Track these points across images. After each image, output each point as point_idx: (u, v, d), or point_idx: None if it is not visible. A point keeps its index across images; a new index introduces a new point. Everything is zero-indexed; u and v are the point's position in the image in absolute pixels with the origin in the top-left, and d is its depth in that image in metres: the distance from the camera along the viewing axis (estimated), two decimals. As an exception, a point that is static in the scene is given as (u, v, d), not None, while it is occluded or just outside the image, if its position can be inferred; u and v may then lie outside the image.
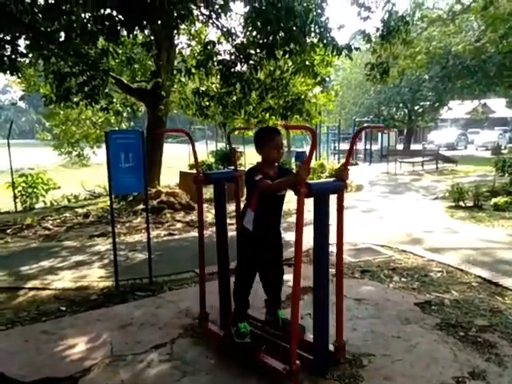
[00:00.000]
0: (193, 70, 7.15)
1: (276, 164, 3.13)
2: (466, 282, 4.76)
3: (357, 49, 6.72)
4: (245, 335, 3.05)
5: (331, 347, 2.86)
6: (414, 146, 28.98)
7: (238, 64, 7.61)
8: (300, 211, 2.58)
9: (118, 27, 6.66)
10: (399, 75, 18.03)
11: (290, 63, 8.33)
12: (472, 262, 5.41)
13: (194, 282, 4.83)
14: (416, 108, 29.04)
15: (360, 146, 25.24)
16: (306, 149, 21.79)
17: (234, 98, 7.93)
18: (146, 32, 7.92)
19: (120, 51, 10.08)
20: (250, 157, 19.28)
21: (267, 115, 8.48)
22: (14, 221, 8.73)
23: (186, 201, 9.09)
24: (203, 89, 8.49)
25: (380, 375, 2.75)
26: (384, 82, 7.90)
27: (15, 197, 10.49)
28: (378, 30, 7.06)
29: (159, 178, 10.55)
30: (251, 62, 7.62)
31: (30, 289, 4.92)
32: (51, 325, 3.74)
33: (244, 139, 19.60)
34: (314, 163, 15.29)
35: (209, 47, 7.30)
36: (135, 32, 7.51)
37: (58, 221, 8.63)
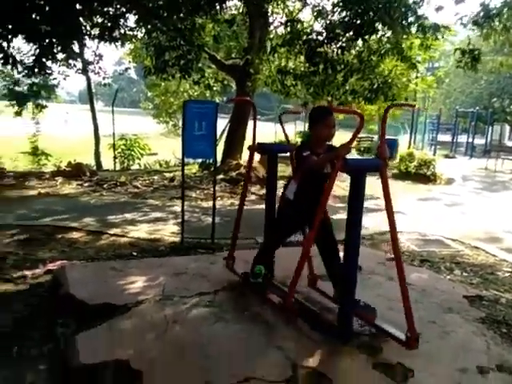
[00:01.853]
0: (277, 49, 7.32)
1: (327, 143, 3.23)
2: (533, 286, 4.46)
3: (445, 27, 6.37)
4: (259, 276, 3.41)
5: (403, 336, 2.79)
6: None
7: (325, 44, 7.62)
8: (330, 188, 2.68)
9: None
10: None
11: (379, 45, 8.13)
12: (548, 267, 5.02)
13: (251, 248, 5.13)
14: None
15: (462, 138, 23.58)
16: (403, 137, 20.91)
17: (318, 78, 7.97)
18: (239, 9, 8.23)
19: (215, 28, 10.56)
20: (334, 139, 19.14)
21: (350, 97, 8.40)
22: (110, 178, 9.77)
23: (263, 175, 9.40)
24: (287, 67, 8.65)
25: (399, 351, 2.79)
26: (475, 70, 7.38)
27: (115, 157, 11.66)
28: (474, 14, 6.61)
29: (241, 152, 10.99)
30: (339, 42, 7.59)
31: (112, 235, 5.61)
32: (120, 264, 4.28)
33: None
34: (404, 151, 14.71)
35: (296, 26, 7.40)
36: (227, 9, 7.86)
37: (147, 182, 9.48)
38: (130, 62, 13.92)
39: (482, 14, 6.77)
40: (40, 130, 11.76)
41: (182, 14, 8.30)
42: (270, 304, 3.33)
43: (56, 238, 5.39)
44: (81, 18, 8.31)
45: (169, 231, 5.87)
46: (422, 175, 12.84)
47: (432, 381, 2.54)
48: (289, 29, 7.68)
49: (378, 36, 8.07)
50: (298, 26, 7.74)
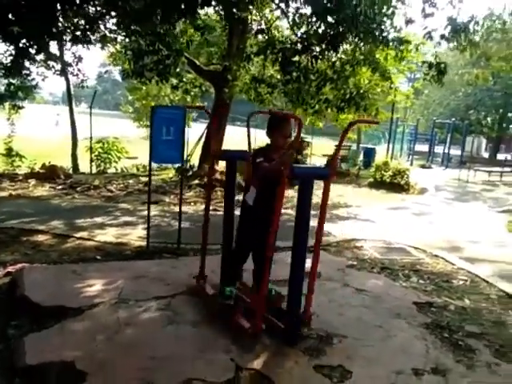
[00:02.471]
0: (252, 57, 7.45)
1: (283, 150, 3.32)
2: (485, 294, 4.64)
3: (407, 42, 6.59)
4: (228, 297, 3.40)
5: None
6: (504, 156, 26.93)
7: (298, 53, 7.78)
8: (281, 194, 2.78)
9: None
10: (492, 77, 16.83)
11: (352, 56, 8.34)
12: (503, 276, 5.21)
13: (217, 253, 5.20)
14: (510, 115, 26.95)
15: (439, 149, 24.06)
16: (383, 146, 21.25)
17: (292, 86, 8.13)
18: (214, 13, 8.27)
19: (195, 33, 10.64)
20: (317, 147, 19.36)
21: (324, 106, 8.58)
22: (85, 181, 9.74)
23: (238, 182, 9.49)
24: (264, 75, 8.79)
25: (343, 354, 2.91)
26: (440, 83, 7.62)
27: (91, 160, 11.63)
28: (443, 28, 6.85)
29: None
30: (312, 52, 7.76)
31: (78, 238, 5.62)
32: (81, 267, 4.32)
33: (313, 129, 19.62)
34: (380, 161, 14.98)
35: (271, 34, 7.55)
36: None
37: (122, 185, 9.48)
38: (110, 64, 13.94)
39: (449, 28, 7.00)
40: (15, 131, 11.64)
41: (158, 18, 8.38)
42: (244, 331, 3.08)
43: (21, 240, 5.38)
44: (60, 19, 8.35)
45: (136, 235, 5.90)
46: (396, 184, 13.10)
47: (368, 382, 2.66)
48: (263, 37, 7.82)
49: (351, 47, 8.27)
50: (274, 34, 7.89)
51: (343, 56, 8.61)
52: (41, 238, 5.57)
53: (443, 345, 3.20)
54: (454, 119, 24.68)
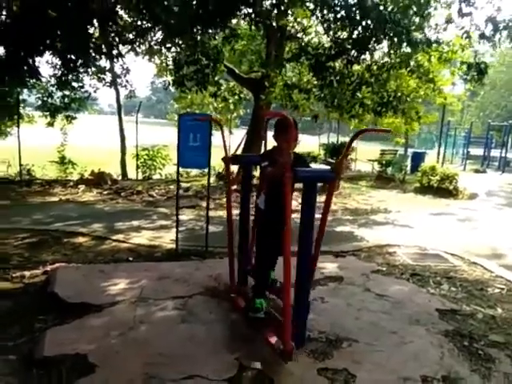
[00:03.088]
0: (285, 63, 7.52)
1: (293, 152, 3.34)
2: (521, 303, 4.38)
3: (437, 42, 6.38)
4: (258, 310, 3.29)
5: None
6: None
7: (332, 58, 7.76)
8: (287, 199, 2.79)
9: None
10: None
11: (390, 59, 8.19)
12: (545, 286, 4.89)
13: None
14: None
15: (496, 153, 22.82)
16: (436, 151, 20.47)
17: (326, 91, 8.10)
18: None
19: (236, 43, 10.87)
20: (364, 152, 19.01)
21: (360, 110, 8.46)
22: (130, 186, 10.19)
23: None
24: (300, 81, 8.82)
25: (350, 358, 2.88)
26: (481, 83, 7.28)
27: (137, 167, 12.13)
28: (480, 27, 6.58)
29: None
30: (346, 56, 7.71)
31: (114, 240, 5.91)
32: (110, 267, 4.55)
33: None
34: (427, 165, 14.45)
35: (303, 40, 7.59)
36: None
37: (163, 191, 9.83)
38: (154, 75, 14.53)
39: (490, 26, 6.72)
40: (67, 140, 12.38)
41: (196, 29, 8.67)
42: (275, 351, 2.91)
43: (62, 241, 5.74)
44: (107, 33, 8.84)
45: (169, 238, 6.10)
46: (443, 190, 12.60)
47: (371, 387, 2.61)
48: (297, 43, 7.86)
49: (387, 51, 8.13)
50: (307, 40, 7.92)
51: (380, 59, 8.46)
52: (81, 239, 5.91)
53: (460, 353, 3.07)
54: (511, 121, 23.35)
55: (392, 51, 7.33)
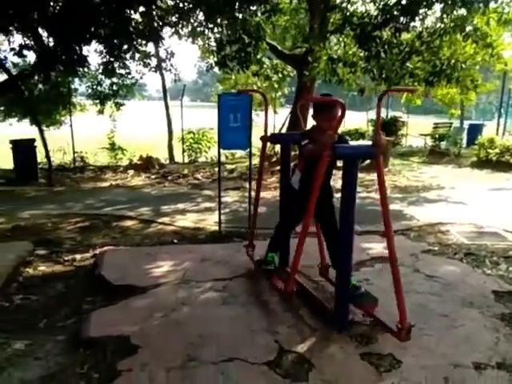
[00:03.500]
0: (328, 35, 7.21)
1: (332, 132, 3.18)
2: None
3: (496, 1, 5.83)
4: (269, 263, 3.60)
5: (393, 326, 2.78)
6: None
7: (379, 28, 7.35)
8: (319, 174, 2.67)
9: None
10: None
11: (443, 23, 7.66)
12: None
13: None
14: None
15: None
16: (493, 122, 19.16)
17: (373, 62, 7.71)
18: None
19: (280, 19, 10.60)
20: (415, 126, 18.15)
21: (410, 81, 8.01)
22: (176, 170, 10.35)
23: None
24: (346, 54, 8.47)
25: (396, 342, 2.74)
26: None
27: (183, 150, 12.29)
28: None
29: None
30: (394, 24, 7.28)
31: (160, 223, 6.02)
32: (155, 250, 4.63)
33: (408, 108, 18.46)
34: (484, 138, 13.55)
35: (347, 9, 7.24)
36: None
37: (208, 174, 9.91)
38: (199, 57, 14.56)
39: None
40: (116, 126, 12.72)
41: (236, 7, 8.51)
42: (278, 291, 3.41)
43: (111, 225, 5.92)
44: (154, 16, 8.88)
45: (213, 221, 6.13)
46: (503, 163, 11.82)
47: (418, 373, 2.47)
48: (341, 14, 7.51)
49: (438, 15, 7.61)
50: (351, 9, 7.55)
51: (431, 25, 7.93)
52: (128, 223, 6.07)
53: (518, 338, 2.85)
54: None
55: (445, 15, 6.82)
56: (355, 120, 18.92)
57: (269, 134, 3.73)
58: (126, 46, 8.65)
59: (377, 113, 2.89)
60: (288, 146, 3.68)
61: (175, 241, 5.28)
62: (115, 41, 7.95)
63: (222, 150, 5.84)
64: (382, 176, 2.69)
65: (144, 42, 9.30)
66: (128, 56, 9.37)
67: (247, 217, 5.54)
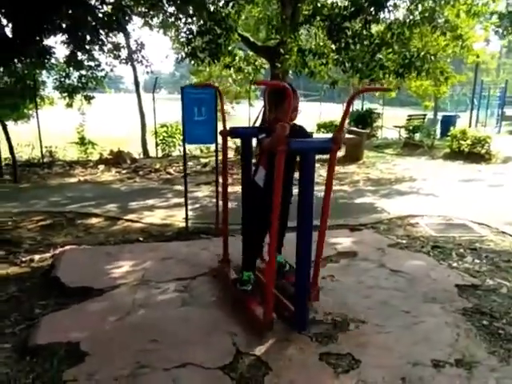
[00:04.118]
0: (297, 27, 7.11)
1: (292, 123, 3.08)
2: (555, 275, 4.04)
3: None
4: (246, 283, 3.25)
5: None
6: None
7: (348, 19, 7.28)
8: (279, 170, 2.57)
9: None
10: None
11: (412, 15, 7.63)
12: None
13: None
14: None
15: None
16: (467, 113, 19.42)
17: (344, 54, 7.65)
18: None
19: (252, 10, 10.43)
20: (390, 119, 18.28)
21: (380, 73, 7.97)
22: (148, 164, 10.14)
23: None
24: (318, 46, 8.38)
25: (355, 341, 2.69)
26: None
27: (157, 144, 12.05)
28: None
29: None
30: (364, 15, 7.22)
31: (127, 220, 5.85)
32: (116, 248, 4.48)
33: (384, 100, 18.55)
34: (457, 129, 13.71)
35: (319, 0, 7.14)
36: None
37: (181, 168, 9.71)
38: (172, 49, 14.28)
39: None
40: (85, 120, 12.37)
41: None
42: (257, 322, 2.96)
43: (75, 223, 5.72)
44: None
45: (182, 217, 5.98)
46: (475, 154, 11.99)
47: (375, 373, 2.41)
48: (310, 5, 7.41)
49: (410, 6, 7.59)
50: (321, 0, 7.45)
51: (403, 17, 7.90)
52: (94, 220, 5.88)
53: (478, 333, 2.82)
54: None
55: (413, 6, 6.78)
56: (332, 113, 18.95)
57: (228, 128, 3.61)
58: (89, 38, 8.36)
59: (344, 111, 2.80)
60: (249, 141, 3.57)
61: (141, 238, 5.12)
62: (78, 32, 7.65)
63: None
64: (332, 172, 2.64)
65: (111, 34, 8.99)
66: (97, 48, 9.06)
67: (215, 212, 5.42)
